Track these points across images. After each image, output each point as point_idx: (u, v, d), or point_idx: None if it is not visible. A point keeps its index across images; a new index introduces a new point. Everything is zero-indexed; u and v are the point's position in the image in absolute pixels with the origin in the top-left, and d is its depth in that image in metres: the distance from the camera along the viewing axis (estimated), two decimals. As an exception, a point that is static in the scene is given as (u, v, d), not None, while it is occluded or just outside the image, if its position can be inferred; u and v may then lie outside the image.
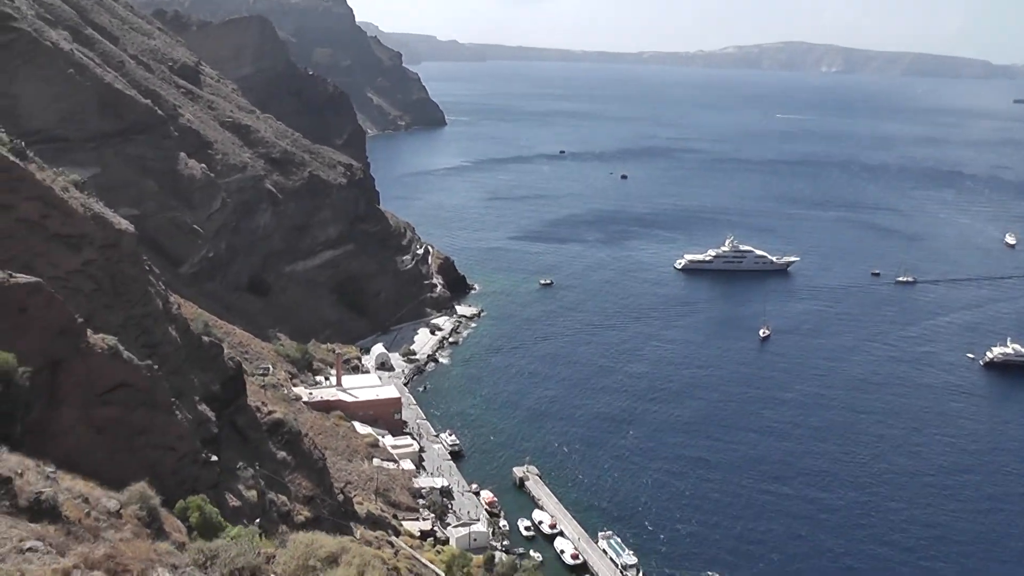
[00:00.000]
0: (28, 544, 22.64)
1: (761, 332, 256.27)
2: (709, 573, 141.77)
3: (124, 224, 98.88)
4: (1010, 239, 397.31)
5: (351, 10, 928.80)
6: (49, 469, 32.66)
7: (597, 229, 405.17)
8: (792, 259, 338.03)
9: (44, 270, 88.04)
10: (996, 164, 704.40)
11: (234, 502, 75.69)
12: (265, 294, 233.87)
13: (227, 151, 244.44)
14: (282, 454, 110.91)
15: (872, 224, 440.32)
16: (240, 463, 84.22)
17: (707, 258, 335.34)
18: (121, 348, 63.03)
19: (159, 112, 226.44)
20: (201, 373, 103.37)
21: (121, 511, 31.82)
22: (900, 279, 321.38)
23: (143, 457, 61.50)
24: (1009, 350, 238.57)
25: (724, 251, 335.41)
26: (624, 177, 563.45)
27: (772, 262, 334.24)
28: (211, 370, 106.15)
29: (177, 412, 67.14)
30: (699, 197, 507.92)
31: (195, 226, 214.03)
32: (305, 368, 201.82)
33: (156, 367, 67.32)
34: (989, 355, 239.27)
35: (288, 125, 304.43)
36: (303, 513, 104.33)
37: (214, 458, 71.43)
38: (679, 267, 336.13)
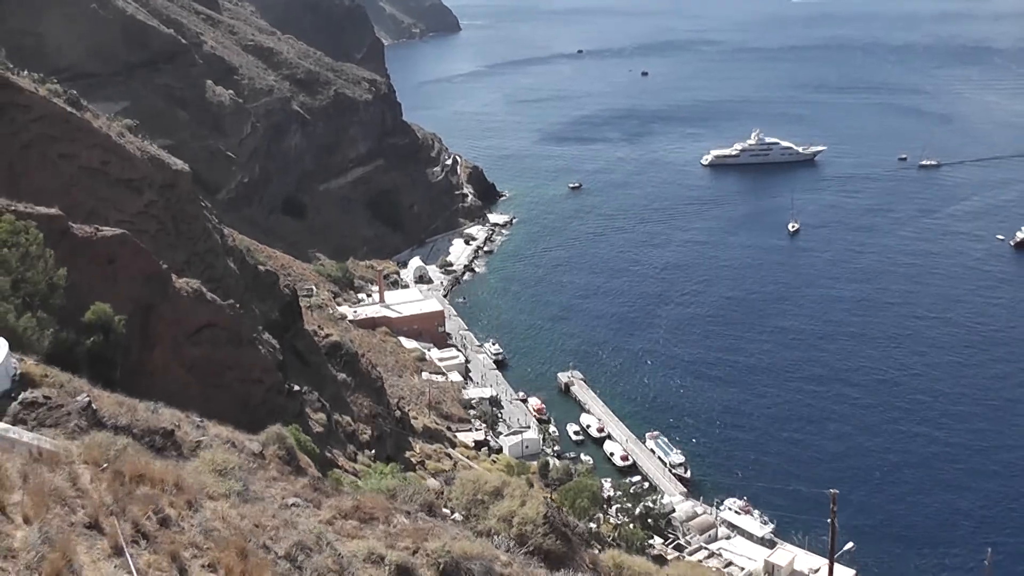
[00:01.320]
0: (290, 500, 25.78)
1: (790, 226, 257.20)
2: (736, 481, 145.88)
3: (180, 164, 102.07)
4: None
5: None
6: (196, 419, 35.87)
7: (621, 128, 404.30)
8: (819, 148, 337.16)
9: (110, 214, 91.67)
10: (1023, 37, 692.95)
11: (317, 428, 79.59)
12: (301, 215, 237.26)
13: (252, 75, 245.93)
14: (342, 375, 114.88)
15: (898, 107, 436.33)
16: (305, 387, 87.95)
17: (734, 152, 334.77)
18: (205, 290, 66.45)
19: (183, 41, 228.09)
20: (260, 302, 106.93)
21: (264, 452, 35.07)
22: (923, 163, 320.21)
23: (233, 391, 65.30)
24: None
25: (750, 144, 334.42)
26: (645, 74, 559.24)
27: (799, 153, 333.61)
28: (269, 298, 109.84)
29: (260, 347, 70.86)
30: (722, 89, 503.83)
31: (228, 153, 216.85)
32: (347, 286, 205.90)
33: (238, 305, 70.77)
34: (1019, 235, 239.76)
35: (307, 43, 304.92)
36: (366, 432, 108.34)
37: (296, 387, 75.41)
38: (706, 163, 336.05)
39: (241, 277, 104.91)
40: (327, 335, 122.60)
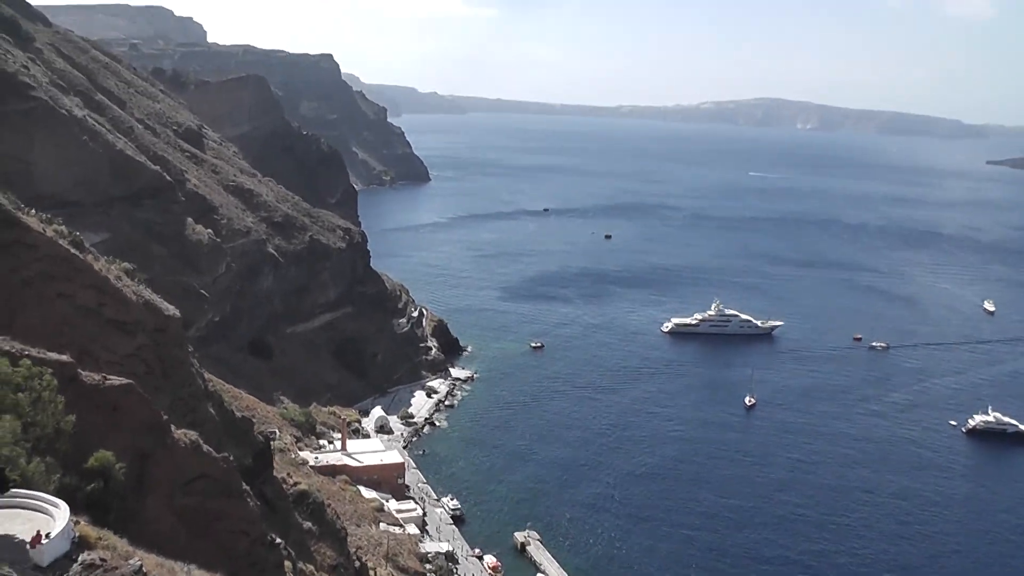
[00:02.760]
0: None
1: (747, 400, 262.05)
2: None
3: (171, 310, 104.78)
4: (988, 306, 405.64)
5: (337, 65, 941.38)
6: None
7: (584, 290, 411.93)
8: (776, 323, 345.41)
9: (100, 355, 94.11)
10: (971, 225, 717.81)
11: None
12: (268, 356, 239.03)
13: (231, 215, 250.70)
14: (307, 524, 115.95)
15: (853, 286, 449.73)
16: (271, 535, 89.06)
17: (693, 322, 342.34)
18: (201, 442, 68.74)
19: (167, 178, 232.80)
20: (235, 447, 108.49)
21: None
22: (873, 345, 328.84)
23: (220, 541, 67.06)
24: (990, 418, 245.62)
25: (710, 315, 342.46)
26: (608, 237, 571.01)
27: (757, 326, 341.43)
28: (244, 444, 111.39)
29: (248, 499, 72.80)
30: (682, 256, 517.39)
31: (202, 291, 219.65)
32: (309, 431, 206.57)
33: (231, 459, 72.94)
34: (971, 423, 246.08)
35: (282, 183, 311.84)
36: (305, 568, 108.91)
37: (278, 540, 76.98)
38: (666, 330, 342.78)
39: (220, 422, 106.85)
40: (295, 483, 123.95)
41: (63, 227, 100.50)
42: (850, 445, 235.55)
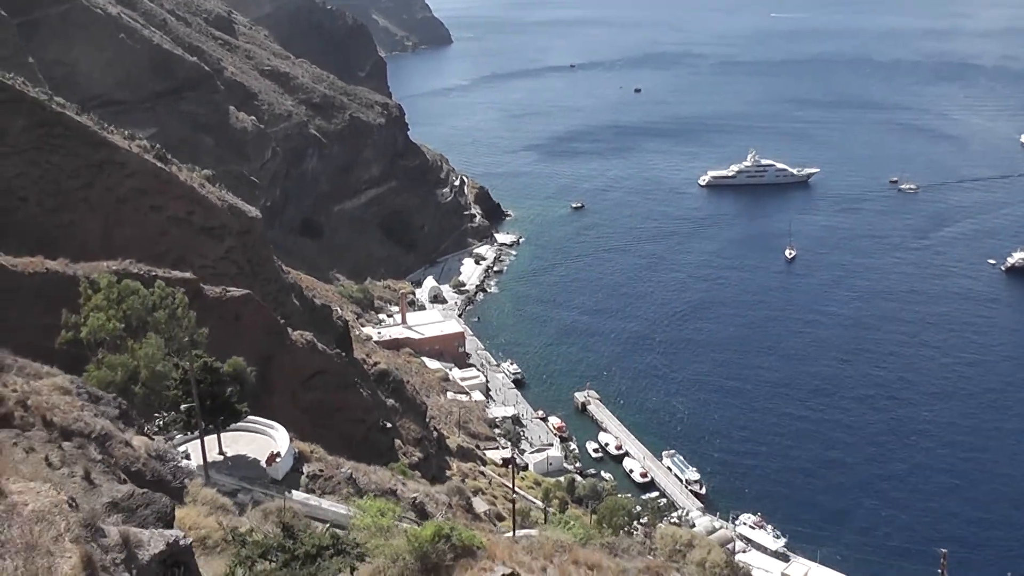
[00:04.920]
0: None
1: (787, 253, 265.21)
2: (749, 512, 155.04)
3: (253, 211, 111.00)
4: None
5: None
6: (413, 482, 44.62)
7: (618, 146, 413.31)
8: (812, 171, 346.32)
9: (194, 260, 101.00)
10: (1006, 55, 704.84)
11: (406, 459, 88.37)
12: (319, 236, 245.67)
13: (271, 100, 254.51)
14: (391, 401, 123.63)
15: (888, 125, 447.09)
16: (382, 420, 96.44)
17: (730, 173, 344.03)
18: (316, 341, 75.13)
19: (205, 68, 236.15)
20: (319, 333, 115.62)
21: (451, 502, 43.89)
22: (902, 188, 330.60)
23: (341, 430, 74.09)
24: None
25: (746, 166, 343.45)
26: (638, 91, 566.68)
27: (793, 175, 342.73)
28: (326, 330, 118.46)
29: (362, 390, 79.57)
30: (713, 105, 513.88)
31: (252, 177, 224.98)
32: (368, 307, 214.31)
33: (343, 354, 79.47)
34: (1010, 260, 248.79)
35: (313, 62, 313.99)
36: (415, 454, 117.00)
37: (389, 425, 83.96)
38: (703, 183, 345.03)
39: (303, 311, 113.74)
40: (375, 363, 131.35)
41: (146, 142, 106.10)
42: (892, 293, 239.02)
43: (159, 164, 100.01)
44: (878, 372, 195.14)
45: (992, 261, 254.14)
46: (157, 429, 42.63)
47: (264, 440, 42.92)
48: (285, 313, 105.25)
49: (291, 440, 42.49)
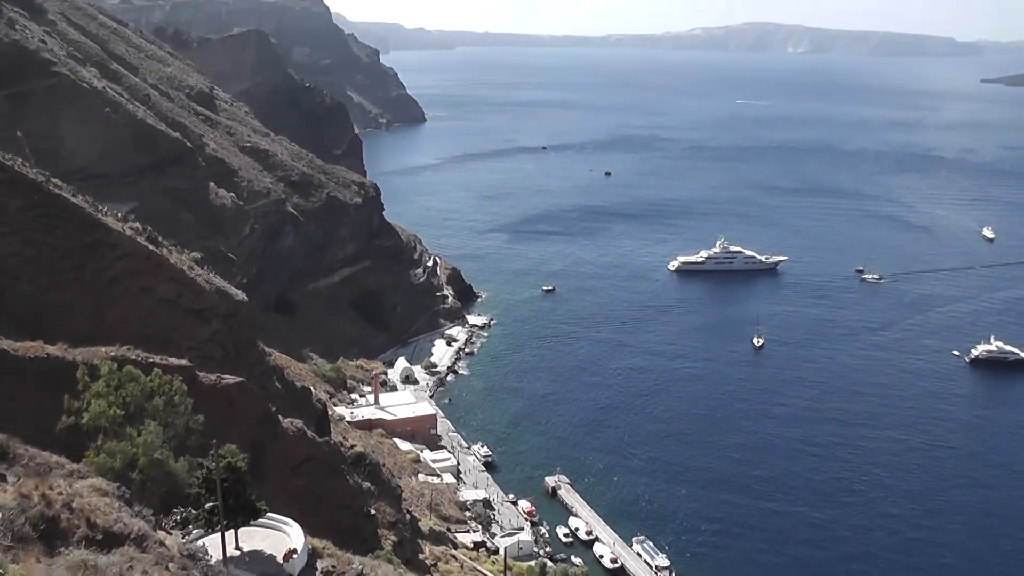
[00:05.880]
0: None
1: (755, 341, 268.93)
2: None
3: (240, 295, 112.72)
4: (988, 232, 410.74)
5: (328, 9, 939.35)
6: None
7: (589, 229, 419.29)
8: (780, 258, 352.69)
9: (182, 342, 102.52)
10: (968, 148, 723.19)
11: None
12: (293, 313, 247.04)
13: (251, 177, 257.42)
14: (366, 484, 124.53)
15: (853, 214, 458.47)
16: (367, 507, 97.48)
17: (699, 259, 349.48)
18: (306, 428, 76.66)
19: (187, 143, 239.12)
20: (298, 415, 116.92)
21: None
22: (865, 278, 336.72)
23: (327, 516, 75.30)
24: (993, 347, 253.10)
25: (715, 252, 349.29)
26: (608, 174, 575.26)
27: (762, 262, 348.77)
28: (305, 412, 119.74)
29: (348, 477, 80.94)
30: (682, 189, 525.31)
31: (229, 254, 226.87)
32: (340, 386, 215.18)
33: (330, 440, 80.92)
34: (974, 352, 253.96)
35: (291, 138, 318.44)
36: (391, 537, 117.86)
37: (372, 511, 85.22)
38: (672, 268, 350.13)
39: (284, 394, 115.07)
40: (352, 445, 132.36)
41: (138, 224, 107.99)
42: (856, 380, 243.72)
43: (150, 246, 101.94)
44: (844, 465, 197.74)
45: (956, 353, 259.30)
46: (174, 524, 44.25)
47: (279, 536, 44.60)
48: (268, 396, 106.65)
49: (305, 536, 44.20)
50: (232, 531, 43.21)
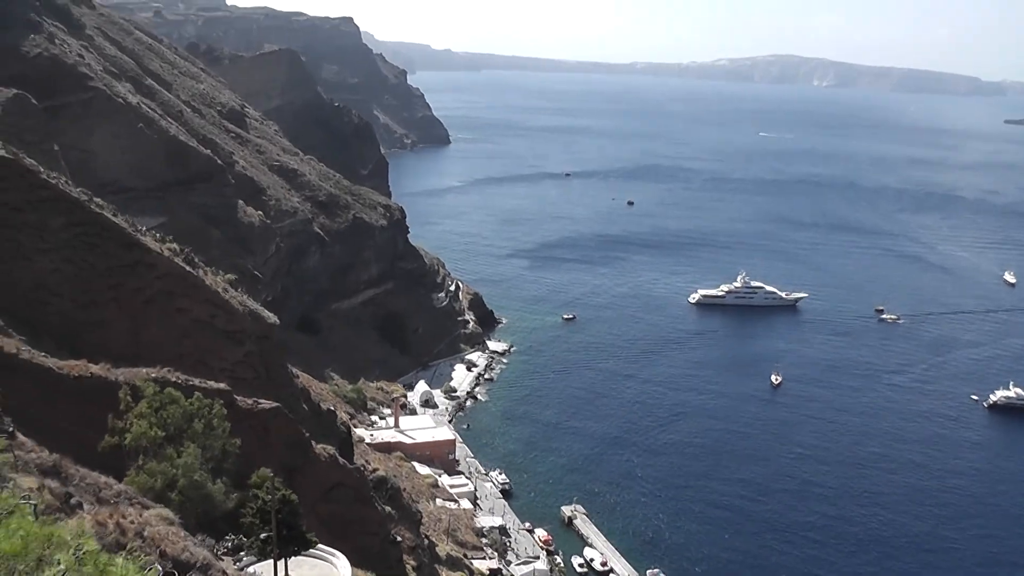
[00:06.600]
0: None
1: (773, 378, 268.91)
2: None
3: (272, 318, 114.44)
4: (1009, 277, 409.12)
5: (358, 28, 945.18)
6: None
7: (611, 258, 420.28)
8: (800, 295, 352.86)
9: (214, 363, 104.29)
10: (990, 189, 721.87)
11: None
12: (316, 333, 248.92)
13: (278, 196, 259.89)
14: (388, 508, 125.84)
15: (873, 251, 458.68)
16: (393, 533, 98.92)
17: (720, 293, 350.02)
18: (337, 455, 78.12)
19: (218, 161, 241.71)
20: (323, 438, 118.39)
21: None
22: (884, 318, 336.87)
23: (356, 543, 76.64)
24: (1012, 393, 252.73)
25: (736, 287, 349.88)
26: (631, 203, 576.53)
27: (782, 298, 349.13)
28: (330, 435, 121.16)
29: (376, 504, 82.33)
30: (703, 221, 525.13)
31: (256, 272, 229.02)
32: (361, 408, 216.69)
33: (361, 467, 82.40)
34: (992, 398, 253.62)
35: (317, 157, 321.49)
36: (410, 562, 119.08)
37: (399, 539, 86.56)
38: (693, 301, 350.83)
39: (310, 416, 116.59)
40: (374, 469, 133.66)
41: (175, 244, 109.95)
42: (874, 422, 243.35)
43: (187, 267, 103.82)
44: (856, 510, 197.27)
45: (975, 397, 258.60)
46: (225, 551, 45.69)
47: (326, 566, 45.99)
48: (298, 419, 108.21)
49: (351, 568, 45.56)
50: (283, 560, 44.60)
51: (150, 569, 22.48)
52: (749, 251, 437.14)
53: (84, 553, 19.70)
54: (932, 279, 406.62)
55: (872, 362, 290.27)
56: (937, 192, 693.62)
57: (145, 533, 31.53)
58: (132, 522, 31.82)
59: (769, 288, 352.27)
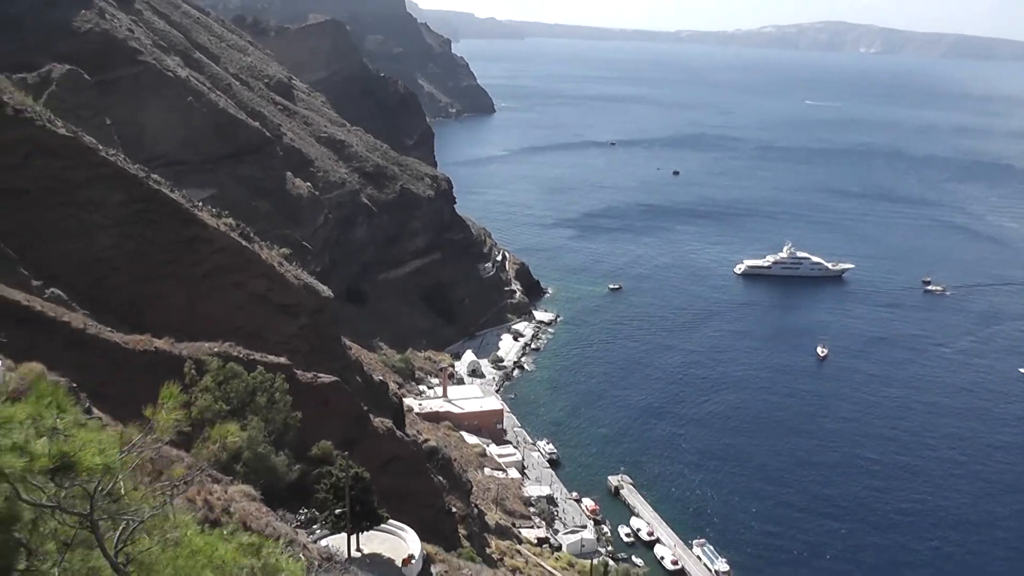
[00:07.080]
0: None
1: (819, 351, 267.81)
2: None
3: (326, 291, 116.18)
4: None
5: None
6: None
7: (656, 228, 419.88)
8: (847, 266, 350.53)
9: (270, 336, 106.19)
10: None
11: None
12: (363, 303, 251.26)
13: (326, 168, 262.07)
14: (439, 478, 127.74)
15: (920, 221, 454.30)
16: (448, 504, 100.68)
17: (766, 264, 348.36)
18: (395, 428, 79.72)
19: (267, 134, 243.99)
20: (376, 410, 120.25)
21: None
22: (930, 289, 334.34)
23: (412, 515, 78.23)
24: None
25: (782, 257, 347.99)
26: (676, 173, 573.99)
27: (828, 269, 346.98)
28: (383, 406, 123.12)
29: (432, 476, 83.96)
30: (749, 191, 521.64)
31: (304, 243, 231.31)
32: (409, 377, 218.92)
33: (416, 440, 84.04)
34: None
35: (364, 128, 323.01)
36: (461, 531, 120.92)
37: (454, 509, 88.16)
38: (739, 271, 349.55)
39: (364, 388, 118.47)
40: (426, 440, 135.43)
41: (231, 219, 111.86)
42: (919, 394, 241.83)
43: (243, 242, 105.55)
44: (898, 483, 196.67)
45: (1022, 371, 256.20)
46: (298, 524, 47.30)
47: (396, 540, 47.47)
48: (352, 391, 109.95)
49: (420, 541, 47.03)
50: (355, 535, 46.09)
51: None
52: (795, 221, 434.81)
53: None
54: (979, 249, 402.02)
55: (918, 334, 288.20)
56: (984, 160, 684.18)
57: (231, 509, 32.98)
58: (219, 499, 33.30)
59: (815, 259, 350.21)
